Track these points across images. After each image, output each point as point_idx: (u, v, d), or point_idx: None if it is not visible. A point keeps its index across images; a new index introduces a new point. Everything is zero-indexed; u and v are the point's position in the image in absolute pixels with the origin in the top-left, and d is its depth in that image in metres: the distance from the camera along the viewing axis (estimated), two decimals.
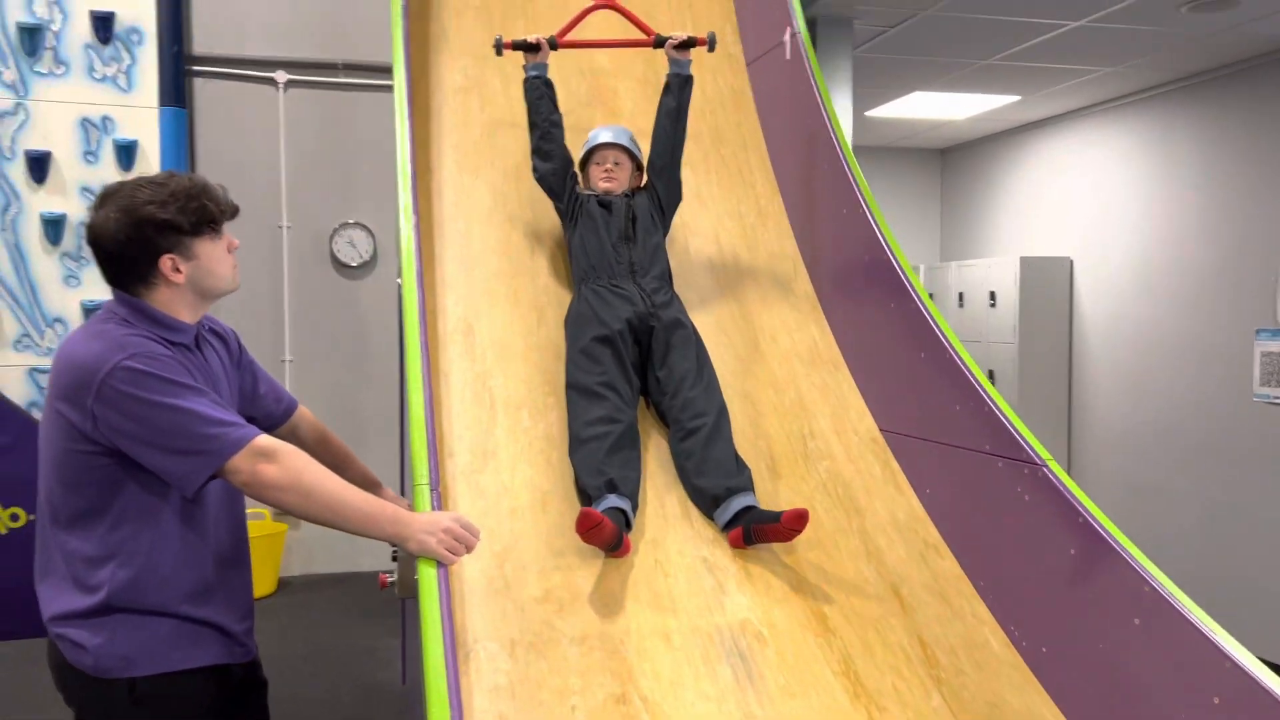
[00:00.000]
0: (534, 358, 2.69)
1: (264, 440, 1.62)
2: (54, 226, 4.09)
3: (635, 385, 2.54)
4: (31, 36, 4.07)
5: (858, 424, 2.72)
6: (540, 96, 2.82)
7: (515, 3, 3.54)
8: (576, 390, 2.47)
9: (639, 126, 3.01)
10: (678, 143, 2.85)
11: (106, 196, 1.68)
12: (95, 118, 4.19)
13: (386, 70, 4.95)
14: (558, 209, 2.86)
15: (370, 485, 2.03)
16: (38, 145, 4.14)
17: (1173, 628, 1.71)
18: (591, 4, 2.96)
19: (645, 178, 2.89)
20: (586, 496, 2.28)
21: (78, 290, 4.15)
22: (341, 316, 4.99)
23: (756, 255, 3.16)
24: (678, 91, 2.84)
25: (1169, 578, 1.75)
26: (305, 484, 1.62)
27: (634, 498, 2.30)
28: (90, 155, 4.18)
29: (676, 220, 2.98)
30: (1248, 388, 4.37)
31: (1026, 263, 5.54)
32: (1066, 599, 1.96)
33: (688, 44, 2.83)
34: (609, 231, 2.71)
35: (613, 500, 2.23)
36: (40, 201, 4.13)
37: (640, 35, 2.92)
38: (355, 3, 4.91)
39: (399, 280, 2.63)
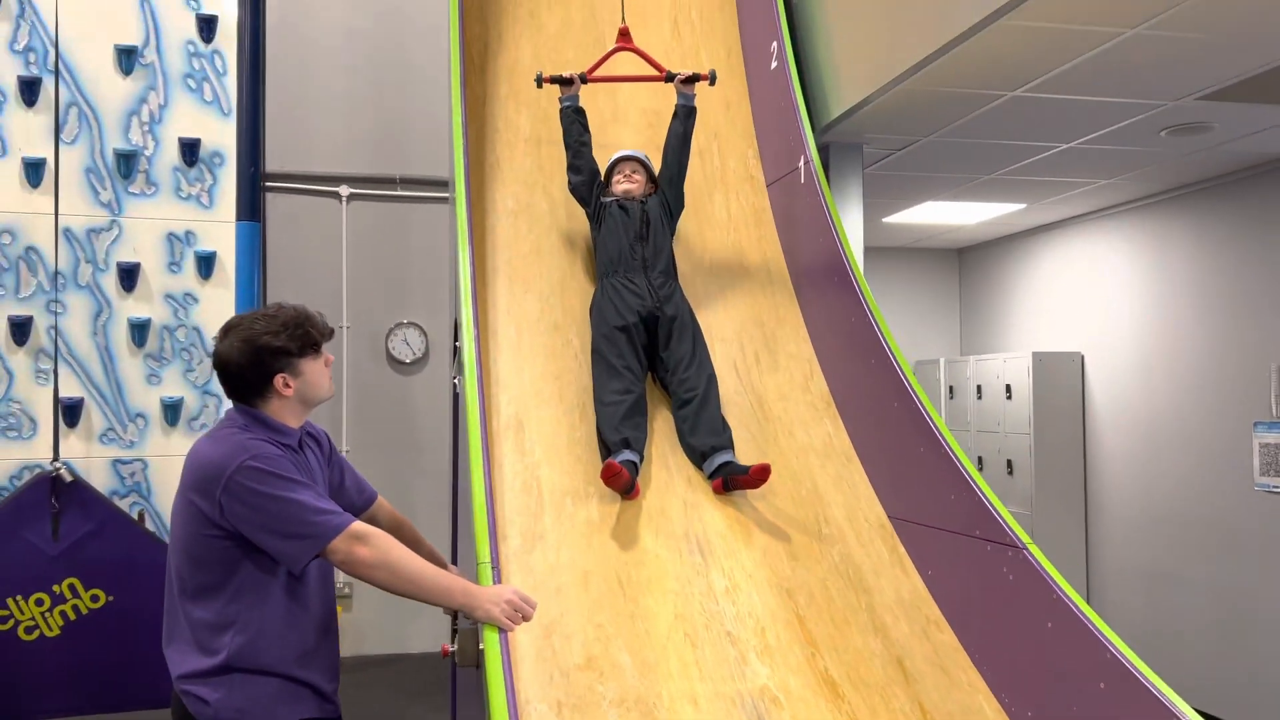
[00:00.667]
0: (577, 451, 3.02)
1: (358, 526, 1.95)
2: (140, 330, 4.50)
3: (644, 364, 3.19)
4: (127, 161, 4.54)
5: (868, 511, 3.01)
6: (572, 122, 3.49)
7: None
8: (601, 366, 3.12)
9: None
10: (683, 160, 3.48)
11: (229, 329, 2.06)
12: (179, 232, 4.63)
13: (439, 184, 5.43)
14: (587, 213, 3.49)
15: (439, 563, 2.35)
16: (128, 258, 4.56)
17: (1132, 692, 1.97)
18: (615, 47, 3.61)
19: (657, 187, 3.50)
20: (607, 449, 2.94)
21: (158, 388, 4.54)
22: (395, 410, 5.37)
23: (776, 357, 3.50)
24: (684, 119, 3.49)
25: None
26: (391, 562, 1.95)
27: (641, 452, 2.97)
28: (174, 265, 4.62)
29: (705, 324, 3.38)
30: (1249, 477, 4.60)
31: (1039, 358, 5.84)
32: (1046, 667, 2.22)
33: (692, 79, 3.49)
34: (627, 231, 3.30)
35: (627, 454, 2.89)
36: (129, 308, 4.55)
37: (654, 71, 3.55)
38: (411, 124, 5.41)
39: (453, 379, 2.99)
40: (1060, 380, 5.81)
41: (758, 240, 3.84)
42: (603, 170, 3.51)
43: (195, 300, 4.58)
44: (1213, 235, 4.89)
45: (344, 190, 5.37)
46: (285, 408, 2.07)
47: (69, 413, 4.28)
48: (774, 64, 3.91)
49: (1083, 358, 5.85)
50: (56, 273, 4.37)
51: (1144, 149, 4.09)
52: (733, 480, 2.92)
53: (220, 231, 4.72)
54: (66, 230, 4.41)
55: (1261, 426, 4.51)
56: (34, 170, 4.37)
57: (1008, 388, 6.03)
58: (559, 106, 3.53)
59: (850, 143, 4.01)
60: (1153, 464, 5.29)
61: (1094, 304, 5.79)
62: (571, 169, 3.48)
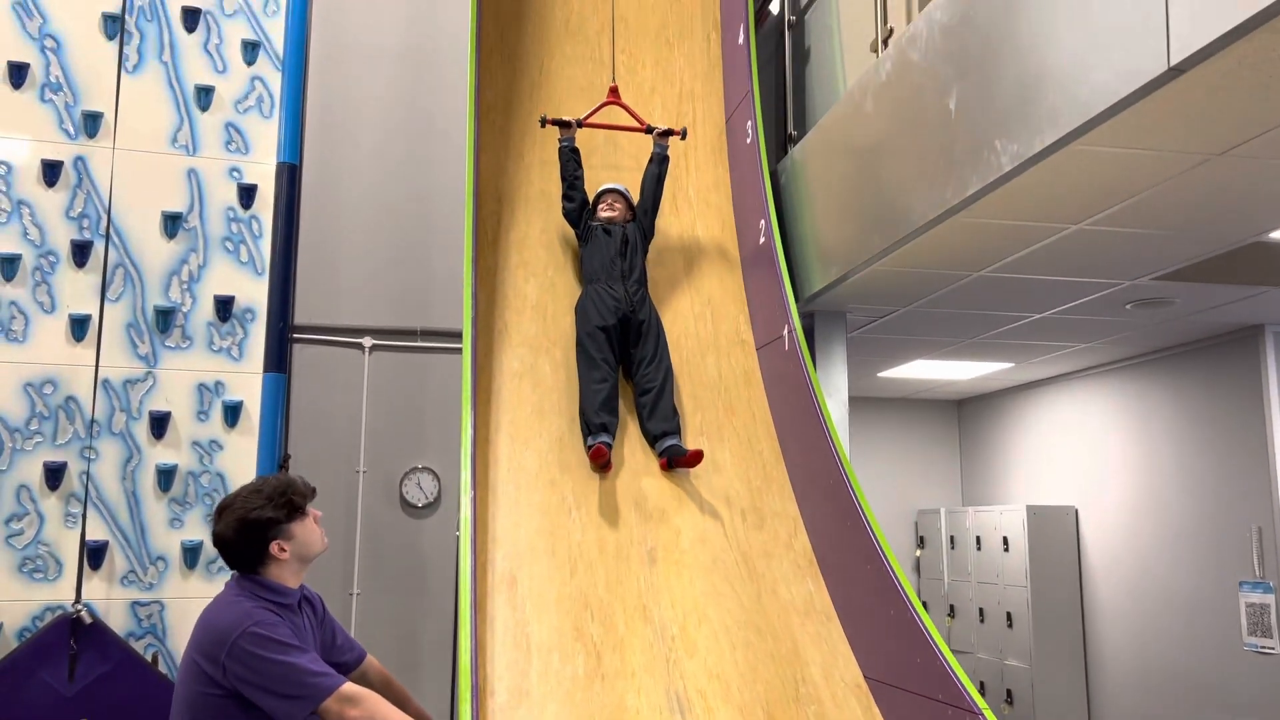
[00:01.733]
0: (566, 606, 3.18)
1: (349, 687, 2.15)
2: (166, 476, 4.74)
3: (618, 357, 3.92)
4: (166, 317, 4.87)
5: (844, 671, 3.14)
6: (569, 159, 4.29)
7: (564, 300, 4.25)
8: (584, 357, 3.86)
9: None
10: (657, 196, 4.28)
11: (223, 510, 2.31)
12: (209, 382, 4.91)
13: (457, 335, 5.71)
14: (576, 234, 4.26)
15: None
16: (160, 407, 4.83)
17: None
18: (605, 101, 4.37)
19: (634, 215, 4.24)
20: (589, 427, 3.69)
21: (179, 531, 4.75)
22: (405, 553, 5.52)
23: (762, 516, 3.68)
24: (658, 164, 4.30)
25: None
26: None
27: (614, 434, 3.72)
28: (202, 414, 4.89)
29: (696, 485, 3.60)
30: (1238, 637, 4.65)
31: (1034, 511, 5.96)
32: None
33: (667, 133, 4.32)
34: (609, 249, 4.06)
35: (604, 437, 3.65)
36: (157, 454, 4.80)
37: (636, 123, 4.35)
38: (433, 280, 5.73)
39: (457, 533, 3.19)
40: (1055, 533, 5.92)
41: (747, 401, 4.08)
42: (590, 199, 4.28)
43: (221, 447, 4.83)
44: (1190, 397, 5.09)
45: (367, 341, 5.66)
46: (284, 569, 2.30)
47: (93, 555, 4.49)
48: (762, 239, 4.23)
49: (1076, 512, 5.96)
50: (93, 421, 4.66)
51: (1113, 319, 4.33)
52: (675, 460, 3.68)
53: (248, 382, 4.99)
54: (105, 381, 4.71)
55: (1246, 586, 4.60)
56: (79, 326, 4.70)
57: (1004, 540, 6.13)
58: (558, 148, 4.33)
59: (834, 310, 4.28)
60: (1146, 620, 5.34)
61: (1085, 459, 5.94)
62: (566, 198, 4.28)
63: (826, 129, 4.02)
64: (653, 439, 3.77)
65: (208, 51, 5.08)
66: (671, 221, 4.56)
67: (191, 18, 5.07)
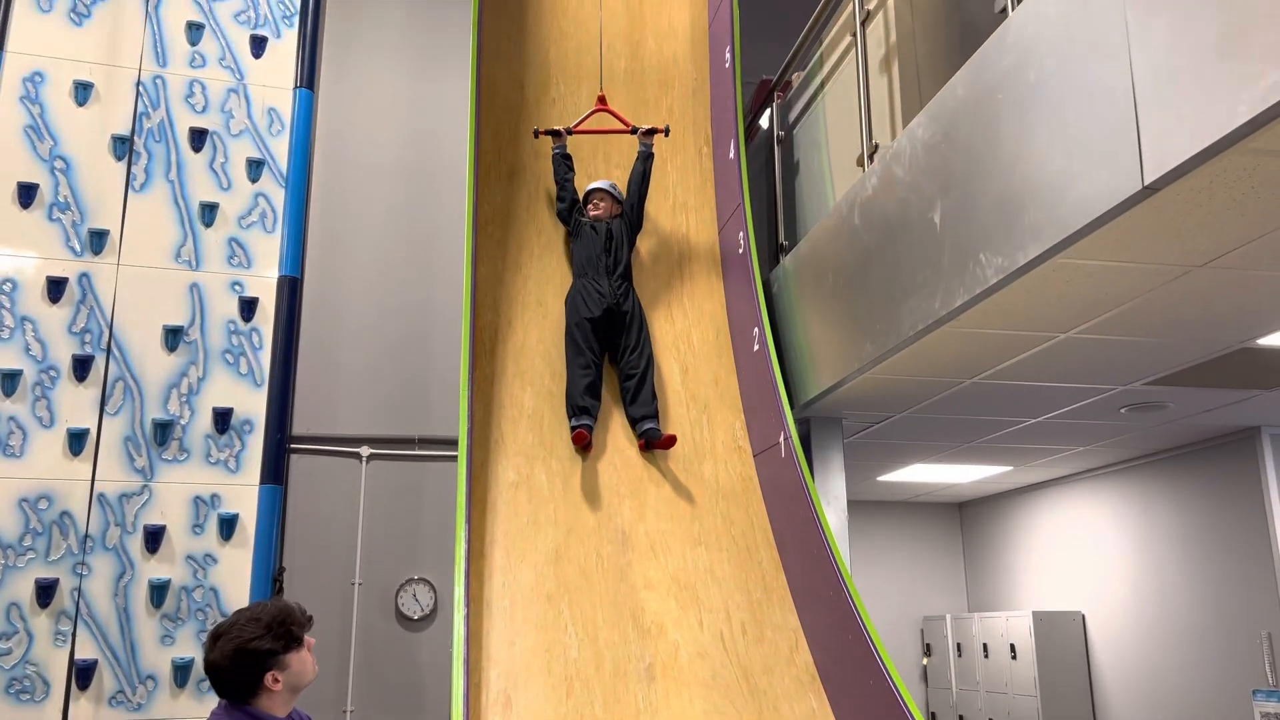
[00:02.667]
0: None
1: None
2: (159, 591, 4.67)
3: (603, 346, 4.26)
4: (164, 430, 4.88)
5: None
6: (560, 164, 4.68)
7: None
8: (571, 345, 4.22)
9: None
10: (643, 192, 4.62)
11: (217, 636, 2.26)
12: (205, 495, 4.89)
13: (454, 442, 5.69)
14: (567, 230, 4.61)
15: None
16: (155, 520, 4.79)
17: None
18: (594, 109, 4.76)
19: (621, 210, 4.55)
20: (573, 410, 4.06)
21: (171, 648, 4.66)
22: (401, 666, 5.40)
23: (763, 629, 3.62)
24: (643, 161, 4.64)
25: None
26: None
27: (595, 417, 4.09)
28: (197, 528, 4.85)
29: (697, 597, 3.55)
30: None
31: (1040, 617, 5.85)
32: None
33: (650, 131, 4.68)
34: (595, 244, 4.40)
35: (586, 420, 4.03)
36: (150, 569, 4.75)
37: (623, 126, 4.73)
38: (430, 386, 5.75)
39: (452, 651, 3.13)
40: (1063, 640, 5.80)
41: (745, 509, 4.05)
42: (580, 197, 4.64)
43: (215, 561, 4.78)
44: (1191, 500, 5.06)
45: (364, 450, 5.65)
46: (274, 700, 2.24)
47: (82, 675, 4.40)
48: (756, 346, 4.27)
49: (1084, 617, 5.86)
50: (86, 536, 4.62)
51: (1108, 423, 4.34)
52: (651, 443, 4.06)
53: (244, 494, 4.96)
54: (100, 495, 4.69)
55: (1260, 695, 4.49)
56: (77, 440, 4.70)
57: (1011, 647, 6.01)
58: (551, 154, 4.75)
59: (830, 416, 4.29)
60: None
61: (1090, 563, 5.87)
62: (559, 199, 4.67)
63: (816, 240, 4.10)
64: (634, 422, 4.17)
65: (213, 170, 5.22)
66: (666, 328, 4.61)
67: (199, 138, 5.22)
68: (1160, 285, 2.74)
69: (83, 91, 5.07)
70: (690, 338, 4.62)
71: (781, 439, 3.89)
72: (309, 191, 5.51)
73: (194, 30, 5.34)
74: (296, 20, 5.52)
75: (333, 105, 5.92)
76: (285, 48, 5.47)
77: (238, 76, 5.36)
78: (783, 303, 4.41)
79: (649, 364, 4.25)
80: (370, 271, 5.79)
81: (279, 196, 5.27)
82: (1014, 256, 2.65)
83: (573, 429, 4.01)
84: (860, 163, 3.81)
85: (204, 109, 5.26)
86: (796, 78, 4.94)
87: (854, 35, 4.02)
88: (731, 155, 4.81)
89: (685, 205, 5.02)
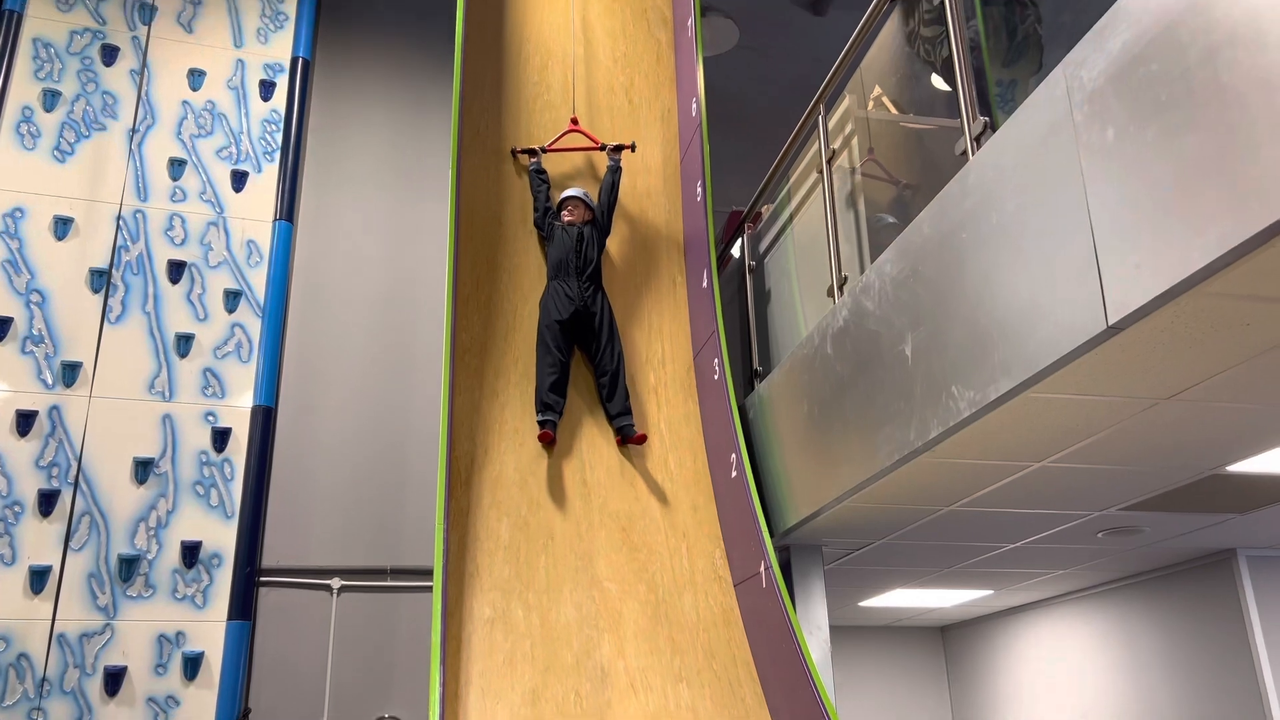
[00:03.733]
0: None
1: None
2: None
3: (571, 347, 4.61)
4: (129, 566, 4.76)
5: None
6: (535, 178, 5.10)
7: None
8: (542, 345, 4.58)
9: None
10: (612, 202, 5.03)
11: None
12: (170, 633, 4.74)
13: (428, 573, 5.59)
14: (541, 234, 5.01)
15: None
16: (116, 661, 4.63)
17: None
18: (567, 129, 5.24)
19: (593, 216, 4.91)
20: (540, 406, 4.44)
21: None
22: None
23: None
24: (612, 173, 5.07)
25: None
26: None
27: (560, 413, 4.47)
28: (160, 668, 4.69)
29: None
30: None
31: None
32: None
33: (618, 148, 5.16)
34: (568, 246, 4.74)
35: (551, 416, 4.42)
36: (109, 713, 4.56)
37: (593, 144, 5.22)
38: (405, 517, 5.68)
39: None
40: None
41: (727, 642, 3.98)
42: (555, 204, 4.99)
43: (178, 703, 4.62)
44: (1172, 622, 5.02)
45: (336, 583, 5.53)
46: None
47: None
48: (734, 473, 4.27)
49: None
50: (43, 679, 4.45)
51: (1086, 547, 4.35)
52: (625, 440, 4.50)
53: (211, 631, 4.83)
54: (60, 636, 4.54)
55: None
56: (38, 578, 4.58)
57: None
58: (528, 171, 5.17)
59: (810, 544, 4.27)
60: None
61: (1076, 685, 5.78)
62: (535, 209, 5.06)
63: (790, 369, 4.15)
64: (610, 417, 4.56)
65: (190, 301, 5.25)
66: (644, 454, 4.60)
67: (177, 270, 5.27)
68: (1129, 417, 2.79)
69: (62, 226, 5.13)
70: (668, 464, 4.61)
71: (762, 569, 3.86)
72: (285, 321, 5.54)
73: (176, 166, 5.45)
74: (278, 155, 5.65)
75: (311, 235, 6.01)
76: (266, 181, 5.58)
77: (218, 210, 5.44)
78: (759, 429, 4.43)
79: (620, 360, 4.62)
80: (345, 400, 5.78)
81: (255, 326, 5.29)
82: (985, 390, 2.69)
83: (539, 424, 4.42)
84: (830, 293, 3.89)
85: (183, 242, 5.33)
86: (766, 210, 5.08)
87: (820, 172, 4.16)
88: (705, 284, 4.91)
89: (660, 332, 5.09)
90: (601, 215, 4.98)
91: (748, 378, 4.85)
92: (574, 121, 5.29)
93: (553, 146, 5.24)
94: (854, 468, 3.42)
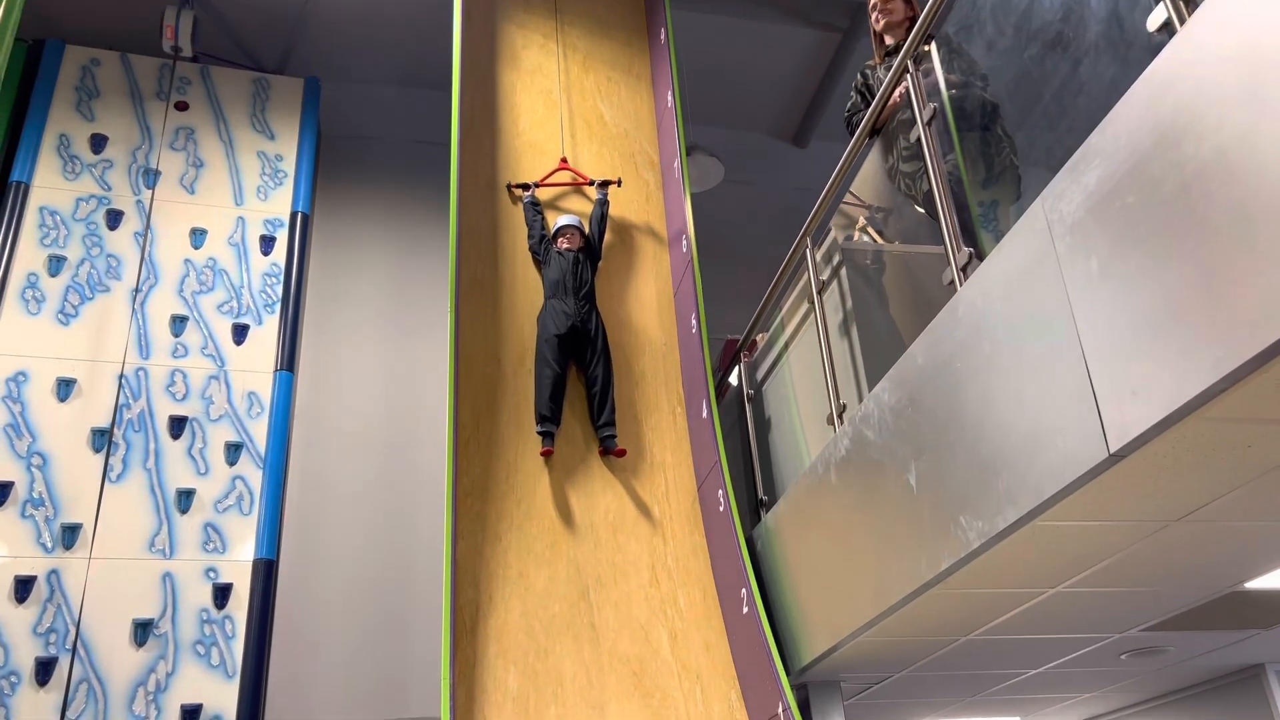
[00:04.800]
0: None
1: None
2: None
3: (567, 360, 4.97)
4: None
5: None
6: (529, 209, 5.47)
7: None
8: (541, 359, 4.93)
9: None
10: (600, 230, 5.43)
11: None
12: None
13: None
14: (537, 260, 5.37)
15: None
16: None
17: None
18: (557, 167, 5.68)
19: (585, 243, 5.29)
20: (539, 417, 4.81)
21: None
22: None
23: None
24: (600, 207, 5.51)
25: None
26: None
27: (558, 423, 4.85)
28: None
29: None
30: None
31: None
32: None
33: (605, 183, 5.61)
34: (562, 270, 5.11)
35: (549, 426, 4.79)
36: None
37: (582, 180, 5.68)
38: (410, 667, 5.55)
39: None
40: None
41: None
42: (550, 232, 5.40)
43: None
44: None
45: None
46: None
47: None
48: (745, 609, 4.18)
49: None
50: None
51: (1110, 669, 4.23)
52: (609, 450, 4.86)
53: None
54: None
55: None
56: None
57: None
58: (522, 203, 5.57)
59: (828, 681, 4.15)
60: None
61: None
62: (530, 236, 5.42)
63: (796, 499, 4.12)
64: (596, 427, 4.90)
65: (191, 456, 5.25)
66: (651, 592, 4.52)
67: (178, 425, 5.29)
68: (1140, 540, 2.75)
69: (65, 388, 5.17)
70: (677, 600, 4.52)
71: (780, 710, 3.74)
72: (286, 471, 5.52)
73: (178, 323, 5.53)
74: (278, 307, 5.75)
75: (312, 384, 6.06)
76: (266, 333, 5.66)
77: (219, 363, 5.50)
78: (768, 562, 4.36)
79: (609, 372, 4.98)
80: (347, 550, 5.72)
81: (256, 478, 5.28)
82: (993, 520, 2.66)
83: (539, 435, 4.77)
84: (830, 422, 3.90)
85: (184, 397, 5.36)
86: (761, 338, 5.14)
87: (811, 302, 4.22)
88: (705, 414, 4.92)
89: (663, 464, 5.07)
90: (592, 240, 5.39)
91: (753, 507, 4.81)
92: (563, 161, 5.74)
93: (544, 182, 5.67)
94: (867, 601, 3.36)
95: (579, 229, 5.33)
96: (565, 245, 5.24)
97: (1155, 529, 2.69)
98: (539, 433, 4.77)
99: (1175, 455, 2.25)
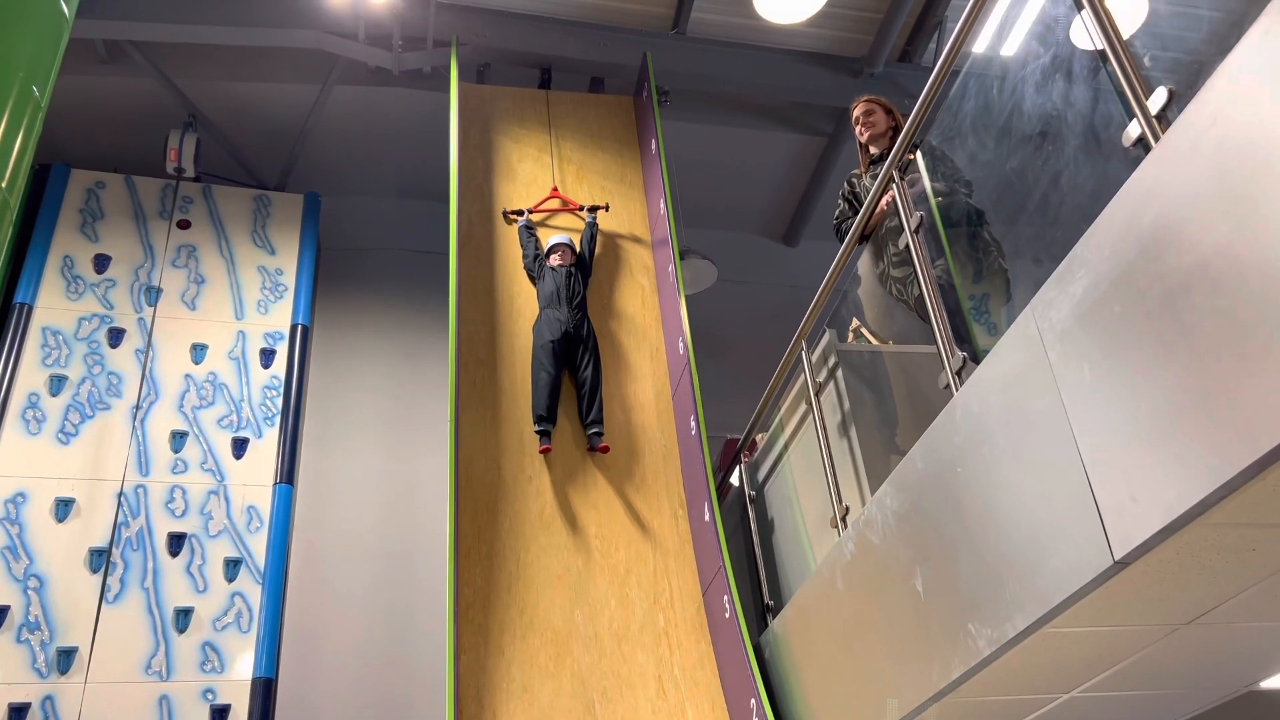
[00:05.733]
0: None
1: None
2: None
3: (561, 368, 5.35)
4: None
5: None
6: (524, 232, 5.91)
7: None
8: (536, 363, 5.34)
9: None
10: (591, 249, 5.87)
11: None
12: None
13: None
14: (531, 277, 5.82)
15: None
16: None
17: None
18: (549, 195, 6.17)
19: (575, 258, 5.70)
20: (536, 417, 5.18)
21: None
22: None
23: None
24: (590, 228, 5.94)
25: None
26: None
27: (554, 423, 5.21)
28: None
29: None
30: None
31: None
32: None
33: (594, 208, 6.09)
34: (556, 283, 5.54)
35: (546, 425, 5.15)
36: None
37: (572, 205, 6.17)
38: None
39: None
40: None
41: None
42: (544, 250, 5.81)
43: None
44: None
45: None
46: None
47: None
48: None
49: None
50: None
51: None
52: (594, 447, 5.20)
53: None
54: None
55: None
56: None
57: None
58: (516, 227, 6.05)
59: None
60: None
61: None
62: (525, 256, 5.86)
63: (803, 605, 4.08)
64: (585, 425, 5.27)
65: (190, 573, 5.20)
66: (659, 704, 4.44)
67: (177, 543, 5.25)
68: (1151, 644, 2.72)
69: (63, 508, 5.15)
70: (685, 713, 4.43)
71: None
72: (286, 586, 5.46)
73: (178, 438, 5.54)
74: (278, 419, 5.76)
75: (312, 496, 6.03)
76: (266, 446, 5.66)
77: (219, 478, 5.49)
78: (775, 669, 4.29)
79: (598, 376, 5.39)
80: (348, 663, 5.62)
81: (256, 594, 5.22)
82: (1002, 628, 2.64)
83: (537, 434, 5.14)
84: (834, 525, 3.88)
85: (184, 513, 5.33)
86: (760, 438, 5.15)
87: (809, 404, 4.25)
88: (707, 518, 4.90)
89: (666, 570, 5.02)
90: (583, 258, 5.82)
91: (759, 611, 4.75)
92: (555, 190, 6.23)
93: (537, 208, 6.15)
94: (878, 712, 3.30)
95: (570, 246, 5.77)
96: (558, 261, 5.67)
97: (1165, 633, 2.66)
98: (537, 431, 5.13)
99: (1180, 561, 2.25)
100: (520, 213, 6.08)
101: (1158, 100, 2.31)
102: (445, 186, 5.94)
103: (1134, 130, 2.39)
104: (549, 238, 5.90)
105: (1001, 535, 2.67)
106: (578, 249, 5.82)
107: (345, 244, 7.08)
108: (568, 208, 6.20)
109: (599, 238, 6.07)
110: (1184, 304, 2.08)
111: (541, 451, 5.12)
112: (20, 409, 5.33)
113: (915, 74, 7.16)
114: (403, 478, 6.21)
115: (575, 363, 5.40)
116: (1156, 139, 2.28)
